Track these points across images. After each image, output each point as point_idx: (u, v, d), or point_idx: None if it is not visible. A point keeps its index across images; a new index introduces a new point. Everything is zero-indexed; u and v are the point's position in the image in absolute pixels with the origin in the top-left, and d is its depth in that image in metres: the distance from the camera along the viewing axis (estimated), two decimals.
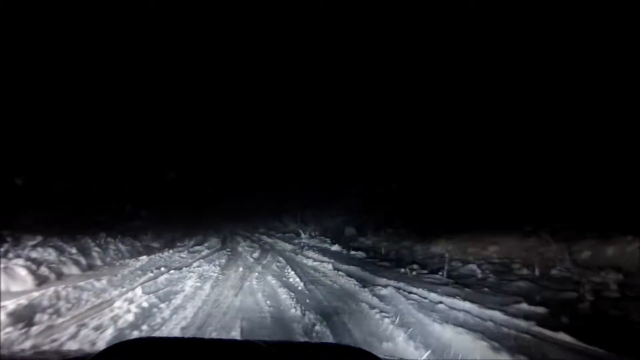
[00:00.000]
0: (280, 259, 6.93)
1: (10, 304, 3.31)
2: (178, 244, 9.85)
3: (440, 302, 3.67)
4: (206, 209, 19.58)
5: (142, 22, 14.04)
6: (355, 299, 3.98)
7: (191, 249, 8.41)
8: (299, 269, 5.90)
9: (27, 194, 9.06)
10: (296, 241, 10.06)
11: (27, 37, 11.20)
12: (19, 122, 10.61)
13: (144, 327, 3.07)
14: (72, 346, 2.67)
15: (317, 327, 3.05)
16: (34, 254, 5.48)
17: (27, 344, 2.69)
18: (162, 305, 3.62)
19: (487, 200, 12.10)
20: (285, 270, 5.65)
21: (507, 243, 7.36)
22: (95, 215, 10.94)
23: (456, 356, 2.41)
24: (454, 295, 3.95)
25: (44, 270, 4.99)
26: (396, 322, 3.14)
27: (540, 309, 3.66)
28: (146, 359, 1.04)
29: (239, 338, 2.76)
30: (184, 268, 5.73)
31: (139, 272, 5.47)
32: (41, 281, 4.64)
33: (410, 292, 4.09)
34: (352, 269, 5.61)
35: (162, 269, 5.66)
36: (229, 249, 8.46)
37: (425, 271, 5.65)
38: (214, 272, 5.46)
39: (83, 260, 5.94)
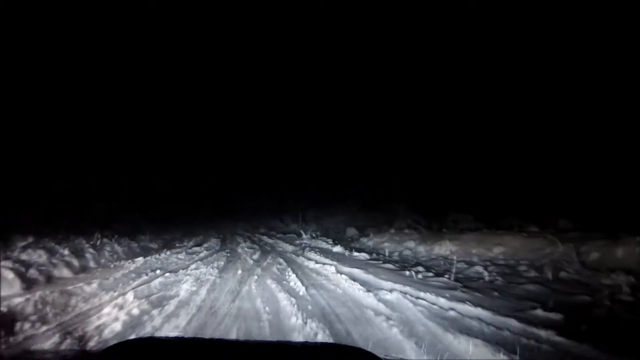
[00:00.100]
0: (281, 260, 6.70)
1: None
2: (177, 244, 9.64)
3: (451, 309, 3.43)
4: (207, 208, 19.43)
5: (142, 22, 13.88)
6: (359, 305, 3.74)
7: (189, 250, 8.19)
8: (300, 271, 5.66)
9: (21, 193, 8.84)
10: (297, 242, 9.86)
11: (27, 37, 11.07)
12: (12, 120, 10.41)
13: (132, 338, 2.83)
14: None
15: (319, 337, 2.82)
16: (23, 256, 5.25)
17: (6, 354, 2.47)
18: (154, 312, 3.38)
19: (490, 200, 11.92)
20: (286, 273, 5.41)
21: (512, 244, 7.23)
22: (92, 215, 10.74)
23: None
24: (464, 301, 3.72)
25: (32, 273, 4.76)
26: (405, 331, 2.91)
27: (557, 316, 3.45)
28: (146, 359, 1.02)
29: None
30: (181, 271, 5.49)
31: (133, 274, 5.24)
32: (29, 285, 4.41)
33: (417, 298, 3.84)
34: (355, 271, 5.39)
35: (158, 271, 5.43)
36: (228, 250, 8.24)
37: (431, 274, 5.43)
38: (212, 275, 5.22)
39: (76, 262, 5.70)
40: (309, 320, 3.16)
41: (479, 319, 3.16)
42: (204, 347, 1.14)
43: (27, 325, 3.02)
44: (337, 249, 8.12)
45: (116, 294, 4.04)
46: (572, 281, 5.08)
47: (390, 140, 16.83)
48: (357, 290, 4.25)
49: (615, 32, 9.72)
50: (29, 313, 3.28)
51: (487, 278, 5.29)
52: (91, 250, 6.60)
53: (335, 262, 6.10)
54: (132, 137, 16.92)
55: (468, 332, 2.82)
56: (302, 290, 4.34)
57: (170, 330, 3.00)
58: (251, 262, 6.58)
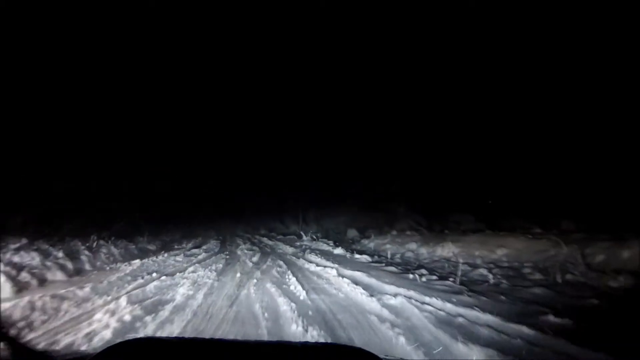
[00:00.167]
0: (281, 262, 6.54)
1: None
2: (175, 246, 9.51)
3: (459, 315, 3.28)
4: (207, 208, 19.29)
5: (142, 21, 13.76)
6: (362, 310, 3.58)
7: (188, 252, 8.05)
8: (301, 274, 5.51)
9: (15, 193, 8.68)
10: (297, 243, 9.71)
11: (27, 37, 10.95)
12: (10, 119, 10.27)
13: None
14: None
15: None
16: (15, 258, 5.10)
17: None
18: (147, 319, 3.22)
19: (492, 200, 11.78)
20: (286, 276, 5.25)
21: (515, 246, 7.13)
22: (90, 215, 10.58)
23: None
24: (471, 306, 3.57)
25: (24, 276, 4.61)
26: (411, 339, 2.75)
27: (569, 322, 3.31)
28: (146, 359, 1.02)
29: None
30: (178, 274, 5.33)
31: (129, 277, 5.09)
32: (20, 289, 4.26)
33: (423, 303, 3.69)
34: (357, 274, 5.23)
35: (154, 274, 5.28)
36: (227, 252, 8.09)
37: (435, 277, 5.29)
38: (209, 279, 5.07)
39: (70, 265, 5.56)
40: (309, 328, 3.01)
41: (489, 326, 3.01)
42: (204, 347, 1.13)
43: (13, 332, 2.87)
44: (338, 251, 7.98)
45: (109, 298, 3.89)
46: (579, 284, 4.95)
47: (390, 140, 16.70)
48: (359, 294, 4.10)
49: (619, 29, 9.60)
50: (15, 319, 3.14)
51: (491, 281, 5.17)
52: (87, 252, 6.46)
53: (336, 265, 5.95)
54: (132, 137, 16.78)
55: (478, 340, 2.67)
56: (302, 294, 4.18)
57: None
58: (250, 264, 6.43)
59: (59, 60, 12.38)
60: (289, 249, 8.56)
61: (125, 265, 6.05)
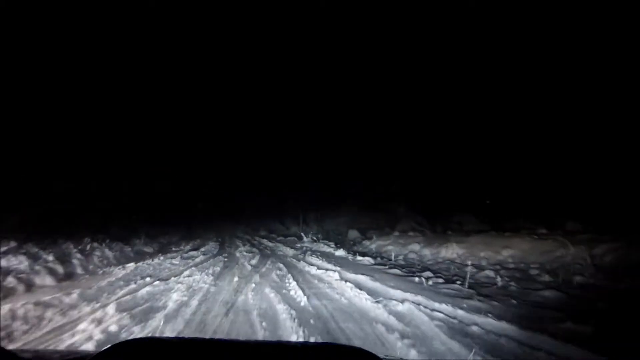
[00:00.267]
0: (281, 265, 6.29)
1: None
2: (173, 248, 9.25)
3: (474, 324, 3.04)
4: (206, 208, 19.07)
5: (142, 21, 13.57)
6: (368, 319, 3.34)
7: (185, 255, 7.80)
8: (301, 278, 5.26)
9: (6, 194, 8.43)
10: (298, 245, 9.47)
11: (27, 37, 10.78)
12: (7, 119, 10.06)
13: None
14: None
15: None
16: (2, 262, 4.87)
17: None
18: (135, 329, 2.98)
19: (493, 200, 11.56)
20: (286, 280, 5.00)
21: (521, 247, 6.99)
22: (86, 216, 10.34)
23: None
24: (484, 313, 3.34)
25: (10, 281, 4.37)
26: (424, 352, 2.51)
27: (588, 330, 3.11)
28: (146, 359, 1.02)
29: None
30: (172, 278, 5.09)
31: (121, 282, 4.84)
32: (4, 295, 4.02)
33: (432, 310, 3.44)
34: (361, 278, 4.99)
35: (148, 279, 5.02)
36: (226, 255, 7.85)
37: (441, 280, 5.07)
38: (205, 283, 4.82)
39: (60, 269, 5.31)
40: (311, 338, 2.76)
41: (507, 336, 2.77)
42: (204, 347, 1.12)
43: None
44: (340, 252, 7.75)
45: (98, 305, 3.65)
46: (589, 286, 4.81)
47: (390, 140, 16.52)
48: (364, 300, 3.85)
49: (621, 29, 9.41)
50: None
51: (499, 283, 4.98)
52: (79, 255, 6.20)
53: (338, 268, 5.71)
54: (131, 137, 16.60)
55: (500, 353, 2.43)
56: (303, 300, 3.93)
57: None
58: (249, 267, 6.18)
59: (58, 61, 12.22)
60: (289, 251, 8.31)
61: (119, 269, 5.80)
